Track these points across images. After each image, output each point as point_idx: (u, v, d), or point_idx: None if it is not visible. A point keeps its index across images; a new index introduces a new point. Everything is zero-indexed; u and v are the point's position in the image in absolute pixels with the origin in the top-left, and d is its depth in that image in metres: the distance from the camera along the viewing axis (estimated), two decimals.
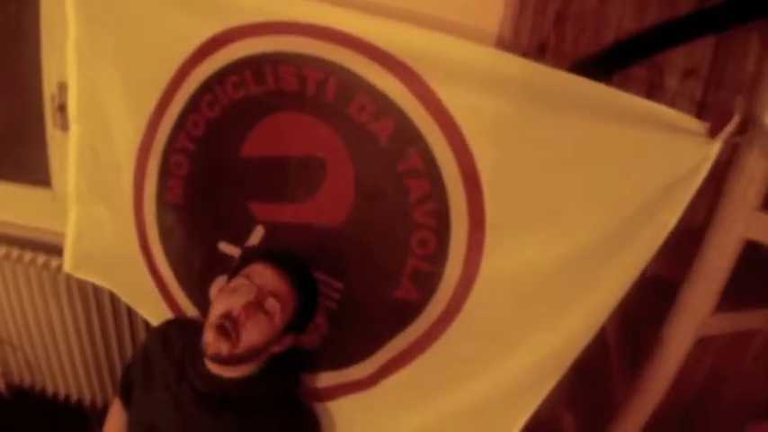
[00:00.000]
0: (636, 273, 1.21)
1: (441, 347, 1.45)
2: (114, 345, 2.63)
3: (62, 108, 2.13)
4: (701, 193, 1.13)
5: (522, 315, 1.35)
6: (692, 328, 1.29)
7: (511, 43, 1.34)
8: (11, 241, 2.58)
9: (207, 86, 1.55)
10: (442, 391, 1.49)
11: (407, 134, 1.33)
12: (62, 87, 2.11)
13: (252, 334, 1.38)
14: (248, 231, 1.63)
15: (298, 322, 1.48)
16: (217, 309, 1.40)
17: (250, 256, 1.53)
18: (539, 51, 1.40)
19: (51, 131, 2.28)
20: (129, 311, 2.49)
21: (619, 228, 1.20)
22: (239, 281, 1.43)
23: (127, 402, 1.71)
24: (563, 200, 1.24)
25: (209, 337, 1.38)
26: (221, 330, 1.36)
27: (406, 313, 1.47)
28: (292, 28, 1.38)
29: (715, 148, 1.08)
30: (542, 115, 1.21)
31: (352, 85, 1.36)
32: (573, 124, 1.18)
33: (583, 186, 1.22)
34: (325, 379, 1.66)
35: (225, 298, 1.42)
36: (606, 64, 1.53)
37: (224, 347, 1.36)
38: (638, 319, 1.51)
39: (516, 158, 1.26)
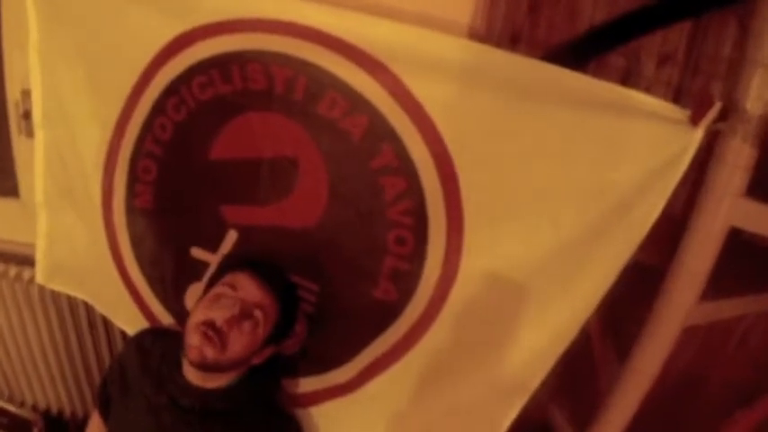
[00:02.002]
0: (621, 263, 1.19)
1: (423, 348, 1.43)
2: (91, 355, 2.60)
3: (27, 115, 2.08)
4: (683, 179, 1.11)
5: (505, 312, 1.32)
6: (677, 316, 1.26)
7: (483, 34, 1.33)
8: None
9: (173, 88, 1.52)
10: (427, 392, 1.47)
11: (380, 131, 1.30)
12: (26, 94, 2.06)
13: (235, 345, 1.36)
14: (221, 236, 1.61)
15: (278, 333, 1.46)
16: (198, 316, 1.38)
17: (230, 265, 1.51)
18: (512, 41, 1.40)
19: (17, 139, 2.24)
20: (105, 321, 2.45)
21: (602, 218, 1.18)
22: (220, 290, 1.41)
23: (105, 414, 1.68)
24: (543, 192, 1.22)
25: (195, 340, 1.35)
26: (206, 337, 1.33)
27: (385, 314, 1.45)
28: (259, 25, 1.36)
29: (697, 135, 1.06)
30: (518, 106, 1.18)
31: (321, 82, 1.33)
32: (550, 114, 1.16)
33: (563, 177, 1.20)
34: (306, 384, 1.64)
35: (206, 308, 1.39)
36: (581, 52, 1.51)
37: (210, 352, 1.33)
38: (622, 307, 1.49)
39: (493, 151, 1.24)
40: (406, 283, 1.39)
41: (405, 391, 1.50)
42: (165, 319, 1.79)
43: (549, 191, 1.22)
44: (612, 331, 1.64)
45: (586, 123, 1.14)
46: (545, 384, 1.35)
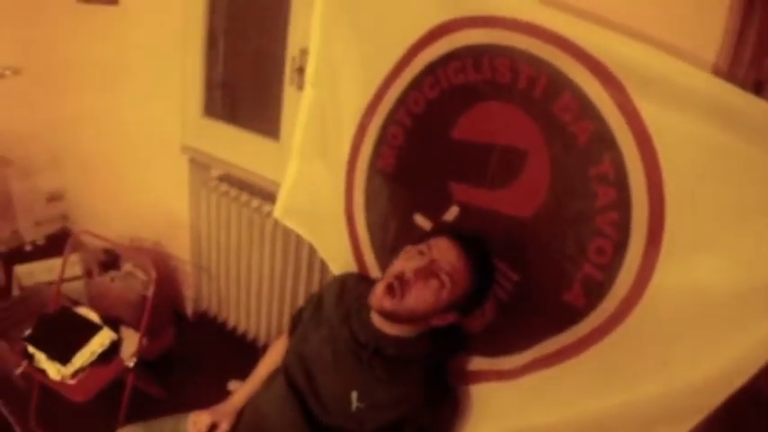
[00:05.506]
0: None
1: (592, 356, 1.49)
2: (301, 296, 2.87)
3: (300, 70, 2.44)
4: None
5: (679, 339, 1.33)
6: None
7: (726, 74, 1.36)
8: (232, 182, 2.94)
9: (431, 68, 1.72)
10: (582, 398, 1.50)
11: (604, 140, 1.40)
12: (303, 52, 2.42)
13: (415, 298, 1.53)
14: (444, 209, 1.78)
15: (465, 304, 1.60)
16: (394, 267, 1.59)
17: (441, 230, 1.69)
18: (755, 88, 1.39)
19: (288, 89, 2.58)
20: (323, 268, 2.70)
21: None
22: (420, 246, 1.60)
23: (292, 336, 1.96)
24: (747, 231, 1.23)
25: (379, 290, 1.56)
26: (389, 287, 1.54)
27: (569, 317, 1.52)
28: (513, 24, 1.50)
29: None
30: (748, 149, 1.19)
31: (560, 84, 1.45)
32: None
33: None
34: (476, 363, 1.77)
35: (402, 260, 1.60)
36: None
37: (387, 303, 1.54)
38: None
39: (706, 185, 1.27)
40: (596, 292, 1.46)
41: (561, 392, 1.55)
42: (375, 273, 2.01)
43: (755, 231, 1.22)
44: None
45: None
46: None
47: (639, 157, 1.35)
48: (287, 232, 2.67)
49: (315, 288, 2.81)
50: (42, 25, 3.52)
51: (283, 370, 1.80)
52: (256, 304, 3.09)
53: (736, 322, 1.24)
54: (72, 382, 2.46)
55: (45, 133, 3.75)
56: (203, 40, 2.90)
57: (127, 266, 3.29)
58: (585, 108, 1.42)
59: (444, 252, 1.57)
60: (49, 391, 2.52)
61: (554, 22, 1.43)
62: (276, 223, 2.65)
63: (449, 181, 1.76)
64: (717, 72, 1.38)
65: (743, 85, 1.27)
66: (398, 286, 1.53)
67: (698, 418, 1.32)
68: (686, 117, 1.27)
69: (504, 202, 1.65)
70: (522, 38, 1.50)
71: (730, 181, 1.24)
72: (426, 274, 1.54)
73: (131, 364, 2.58)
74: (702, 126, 1.25)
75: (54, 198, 4.06)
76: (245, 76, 3.20)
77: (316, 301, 1.91)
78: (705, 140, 1.25)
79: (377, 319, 1.67)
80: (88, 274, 3.35)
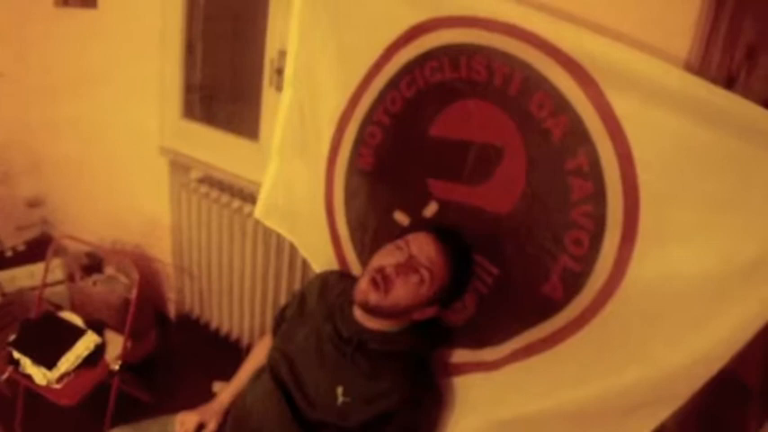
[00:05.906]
0: None
1: (569, 346, 1.52)
2: (283, 295, 2.88)
3: (279, 71, 2.45)
4: None
5: (656, 327, 1.36)
6: None
7: (697, 71, 1.39)
8: (212, 183, 2.95)
9: (408, 68, 1.75)
10: (562, 387, 1.54)
11: (578, 135, 1.43)
12: (281, 53, 2.42)
13: (398, 292, 1.57)
14: (423, 206, 1.80)
15: (444, 297, 1.64)
16: (373, 263, 1.63)
17: (419, 226, 1.72)
18: (727, 84, 1.39)
19: (267, 90, 2.59)
20: (304, 266, 2.72)
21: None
22: (399, 242, 1.63)
23: (276, 335, 1.97)
24: (721, 221, 1.25)
25: (363, 285, 1.59)
26: (373, 282, 1.57)
27: (547, 309, 1.55)
28: (489, 24, 1.53)
29: None
30: (719, 142, 1.22)
31: (534, 81, 1.48)
32: (750, 155, 1.19)
33: (746, 219, 1.22)
34: (458, 355, 1.80)
35: (381, 256, 1.63)
36: None
37: (372, 297, 1.57)
38: None
39: (679, 177, 1.30)
40: (573, 283, 1.49)
41: (540, 382, 1.58)
42: (357, 270, 2.03)
43: (727, 227, 1.24)
44: None
45: None
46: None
47: (613, 149, 1.38)
48: (268, 232, 2.68)
49: (297, 287, 2.81)
50: (20, 30, 3.50)
51: (268, 368, 1.81)
52: (239, 305, 3.09)
53: (712, 309, 1.27)
54: (58, 386, 2.45)
55: (24, 138, 3.73)
56: (181, 42, 2.91)
57: (109, 270, 3.29)
58: (559, 104, 1.45)
59: (423, 247, 1.61)
60: (36, 396, 2.51)
61: (528, 22, 1.46)
62: (257, 223, 2.65)
63: (427, 178, 1.79)
64: (688, 68, 1.40)
65: (714, 80, 1.30)
66: (382, 281, 1.57)
67: (676, 404, 1.36)
68: (659, 111, 1.30)
69: (481, 197, 1.67)
70: (497, 37, 1.53)
71: (703, 172, 1.27)
72: (406, 270, 1.57)
73: (116, 367, 2.59)
74: (674, 120, 1.28)
75: (34, 203, 4.03)
76: (223, 77, 3.21)
77: (298, 299, 1.93)
78: (677, 133, 1.28)
79: (359, 314, 1.69)
80: (70, 278, 3.32)
